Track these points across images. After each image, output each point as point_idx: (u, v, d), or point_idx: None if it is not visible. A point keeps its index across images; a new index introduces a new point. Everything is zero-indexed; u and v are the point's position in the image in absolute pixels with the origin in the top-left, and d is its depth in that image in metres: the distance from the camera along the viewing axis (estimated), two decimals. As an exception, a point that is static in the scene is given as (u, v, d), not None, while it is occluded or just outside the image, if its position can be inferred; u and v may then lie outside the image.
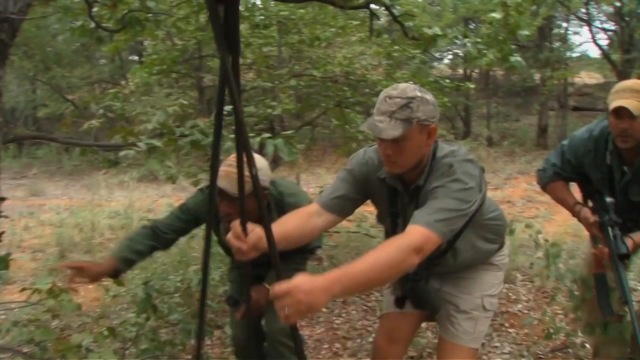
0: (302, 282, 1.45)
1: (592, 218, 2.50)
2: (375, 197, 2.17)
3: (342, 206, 2.10)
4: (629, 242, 2.39)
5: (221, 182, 2.28)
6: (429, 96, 1.93)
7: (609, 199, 2.47)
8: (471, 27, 15.47)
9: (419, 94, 1.89)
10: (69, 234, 7.63)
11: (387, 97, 1.90)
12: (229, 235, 1.73)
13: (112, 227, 8.26)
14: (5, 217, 2.19)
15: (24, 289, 2.17)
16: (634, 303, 2.44)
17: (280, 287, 1.44)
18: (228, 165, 2.33)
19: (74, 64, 17.28)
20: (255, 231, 1.72)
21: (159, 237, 2.62)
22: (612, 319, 2.59)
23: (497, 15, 4.42)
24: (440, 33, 4.19)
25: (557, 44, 16.69)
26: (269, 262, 1.54)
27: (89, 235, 7.65)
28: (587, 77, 20.10)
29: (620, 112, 2.33)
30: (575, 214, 2.63)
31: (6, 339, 3.18)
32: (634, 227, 2.50)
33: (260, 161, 2.39)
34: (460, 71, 19.94)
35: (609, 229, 2.41)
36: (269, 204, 2.50)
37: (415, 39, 4.15)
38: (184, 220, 2.68)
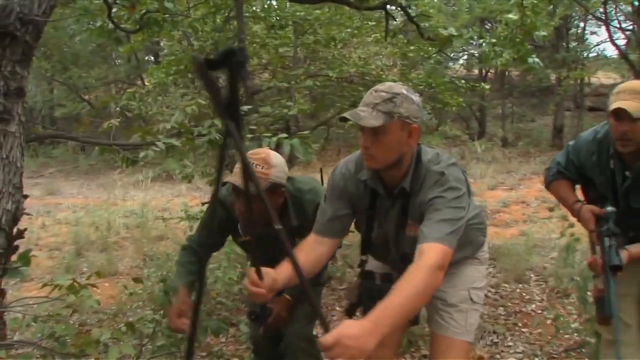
0: (348, 329, 1.45)
1: (591, 225, 2.42)
2: (357, 204, 2.14)
3: (336, 227, 2.12)
4: (624, 254, 2.29)
5: (237, 180, 2.27)
6: (415, 97, 1.95)
7: (610, 208, 2.36)
8: (487, 27, 15.40)
9: (405, 92, 1.92)
10: (85, 233, 7.72)
11: (373, 90, 1.95)
12: (246, 283, 1.77)
13: (127, 225, 8.34)
14: (28, 214, 2.23)
15: (45, 285, 2.21)
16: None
17: (327, 338, 1.41)
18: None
19: (90, 65, 17.47)
20: (269, 274, 1.77)
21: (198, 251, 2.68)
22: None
23: (513, 16, 4.42)
24: (455, 34, 4.20)
25: (573, 44, 16.58)
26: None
27: (104, 233, 7.73)
28: (604, 77, 19.91)
29: (620, 114, 2.22)
30: (574, 212, 2.55)
31: (26, 334, 3.25)
32: (637, 237, 2.39)
33: (276, 158, 2.42)
34: (476, 71, 19.86)
35: (606, 239, 2.31)
36: (286, 201, 2.50)
37: (430, 40, 4.15)
38: (217, 228, 2.67)
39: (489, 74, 19.67)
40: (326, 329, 1.43)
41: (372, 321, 1.51)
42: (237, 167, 2.36)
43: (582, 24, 18.33)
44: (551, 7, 9.60)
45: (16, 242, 2.21)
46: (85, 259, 6.62)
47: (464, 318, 2.25)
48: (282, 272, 1.84)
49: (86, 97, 17.84)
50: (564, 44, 15.76)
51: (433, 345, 2.33)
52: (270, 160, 2.36)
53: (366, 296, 2.20)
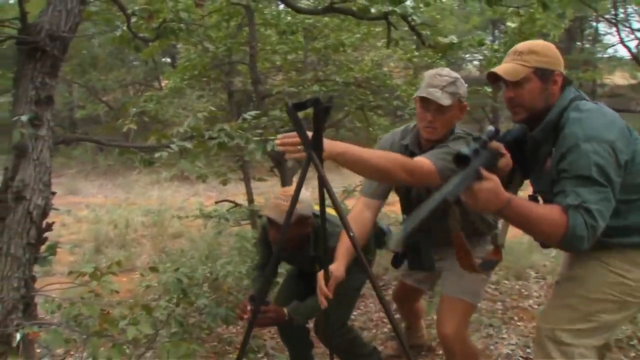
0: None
1: None
2: None
3: (383, 189, 2.59)
4: None
5: (270, 213, 2.65)
6: (462, 80, 2.45)
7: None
8: (500, 29, 15.50)
9: (460, 77, 2.43)
10: (104, 230, 8.02)
11: (437, 74, 2.41)
12: (321, 285, 2.20)
13: (144, 223, 8.64)
14: (56, 209, 2.49)
15: (70, 272, 2.47)
16: None
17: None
18: (278, 198, 2.70)
19: (109, 67, 17.84)
20: (333, 272, 2.24)
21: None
22: None
23: (511, 24, 4.62)
24: (455, 41, 4.39)
25: (587, 45, 16.61)
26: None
27: (123, 231, 8.03)
28: (620, 78, 19.84)
29: (496, 80, 2.03)
30: None
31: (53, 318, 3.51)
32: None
33: (303, 194, 2.70)
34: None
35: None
36: (311, 232, 2.79)
37: (431, 47, 4.35)
38: (265, 249, 3.04)
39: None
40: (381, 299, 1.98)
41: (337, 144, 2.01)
42: (272, 202, 2.72)
43: (595, 24, 18.35)
44: (561, 10, 9.73)
45: (45, 235, 2.47)
46: (104, 255, 6.90)
47: (465, 282, 2.62)
48: (339, 268, 2.29)
49: (104, 98, 18.20)
50: (578, 44, 15.79)
51: (439, 305, 2.81)
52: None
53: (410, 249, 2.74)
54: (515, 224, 1.84)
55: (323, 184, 1.89)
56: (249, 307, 2.69)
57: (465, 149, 1.80)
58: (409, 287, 3.17)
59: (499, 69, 1.99)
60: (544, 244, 2.15)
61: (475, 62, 19.91)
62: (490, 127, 1.97)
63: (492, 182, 1.74)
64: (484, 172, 1.75)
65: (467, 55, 17.71)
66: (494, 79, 2.01)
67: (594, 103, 1.99)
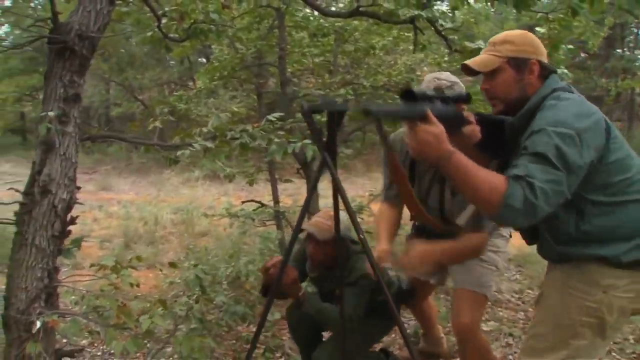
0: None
1: None
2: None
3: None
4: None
5: (311, 228, 2.77)
6: (461, 84, 2.46)
7: None
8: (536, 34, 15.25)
9: (459, 81, 2.45)
10: (134, 227, 8.20)
11: (435, 78, 2.44)
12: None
13: (173, 221, 8.79)
14: (80, 203, 2.56)
15: (92, 265, 2.55)
16: None
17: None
18: (320, 217, 2.83)
19: (145, 66, 18.19)
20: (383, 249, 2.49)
21: None
22: None
23: (540, 29, 4.57)
24: (483, 46, 4.35)
25: (627, 52, 16.25)
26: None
27: (152, 228, 8.19)
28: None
29: (471, 72, 1.99)
30: None
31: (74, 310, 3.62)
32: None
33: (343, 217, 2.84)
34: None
35: None
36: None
37: (458, 52, 4.33)
38: (299, 265, 3.04)
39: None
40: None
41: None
42: (314, 219, 2.84)
43: (636, 31, 17.91)
44: (601, 16, 9.54)
45: (69, 228, 2.55)
46: (132, 250, 7.05)
47: (471, 273, 2.74)
48: (384, 246, 2.60)
49: (140, 97, 18.57)
50: (618, 51, 15.46)
51: (453, 299, 2.95)
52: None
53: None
54: (454, 180, 1.74)
55: (336, 186, 1.92)
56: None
57: (418, 89, 1.84)
58: (419, 282, 3.17)
59: (470, 61, 1.97)
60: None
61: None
62: (462, 91, 2.03)
63: (437, 128, 1.69)
64: (432, 117, 1.70)
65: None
66: (469, 72, 1.97)
67: (577, 95, 1.90)
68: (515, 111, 1.93)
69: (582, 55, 16.99)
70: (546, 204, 1.66)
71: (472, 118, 1.95)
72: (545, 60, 1.95)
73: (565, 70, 4.81)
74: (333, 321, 2.71)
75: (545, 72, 1.94)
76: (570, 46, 4.49)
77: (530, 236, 2.08)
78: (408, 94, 1.76)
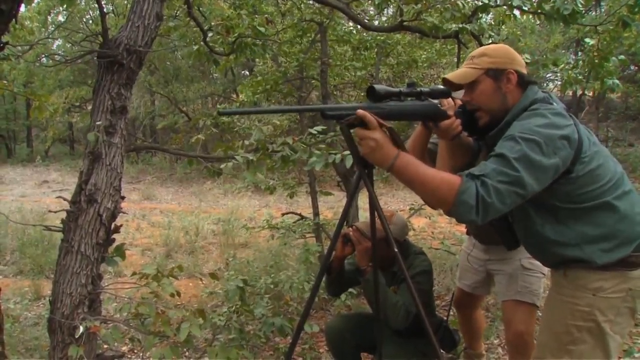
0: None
1: None
2: None
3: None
4: None
5: (361, 225, 2.80)
6: None
7: None
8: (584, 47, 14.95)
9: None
10: (175, 236, 8.33)
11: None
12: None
13: (214, 232, 8.89)
14: (124, 213, 2.62)
15: (134, 274, 2.60)
16: None
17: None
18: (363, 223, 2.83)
19: (190, 79, 18.54)
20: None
21: None
22: None
23: (589, 40, 4.48)
24: (529, 60, 4.29)
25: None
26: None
27: (193, 238, 8.31)
28: None
29: (452, 86, 2.01)
30: None
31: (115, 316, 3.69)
32: None
33: (399, 219, 2.99)
34: (570, 93, 19.23)
35: None
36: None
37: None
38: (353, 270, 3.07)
39: (585, 96, 19.01)
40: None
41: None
42: (356, 224, 2.87)
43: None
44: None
45: (113, 236, 2.61)
46: (173, 260, 7.16)
47: (517, 282, 2.72)
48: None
49: (185, 109, 18.92)
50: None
51: (502, 312, 2.91)
52: (392, 219, 2.90)
53: None
54: (405, 181, 1.76)
55: (372, 201, 1.92)
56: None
57: (381, 86, 1.81)
58: (466, 294, 3.19)
59: (450, 75, 2.01)
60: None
61: (558, 82, 19.30)
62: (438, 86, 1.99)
63: (375, 133, 1.69)
64: (370, 120, 1.69)
65: (548, 75, 17.19)
66: (451, 85, 2.01)
67: (556, 105, 1.90)
68: (500, 122, 1.96)
69: (632, 68, 16.59)
70: (500, 202, 1.68)
71: (451, 110, 1.97)
72: (523, 70, 1.99)
73: (617, 81, 4.70)
74: (390, 302, 2.69)
75: (523, 81, 1.97)
76: (622, 56, 4.37)
77: (508, 241, 2.26)
78: (370, 92, 1.77)
